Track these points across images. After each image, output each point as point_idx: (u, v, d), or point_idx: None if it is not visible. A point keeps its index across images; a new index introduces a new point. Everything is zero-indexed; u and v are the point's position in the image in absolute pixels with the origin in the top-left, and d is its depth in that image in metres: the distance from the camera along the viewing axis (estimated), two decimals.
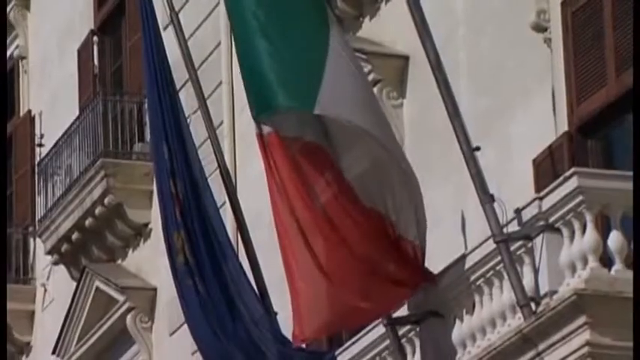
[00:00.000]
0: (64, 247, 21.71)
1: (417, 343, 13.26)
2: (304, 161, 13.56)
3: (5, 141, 24.41)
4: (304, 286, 13.60)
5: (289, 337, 13.96)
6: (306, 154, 13.58)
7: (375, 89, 16.34)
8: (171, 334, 19.32)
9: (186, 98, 15.31)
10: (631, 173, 12.31)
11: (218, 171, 15.56)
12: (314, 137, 13.60)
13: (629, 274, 11.62)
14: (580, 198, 11.76)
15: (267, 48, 13.71)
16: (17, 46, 24.44)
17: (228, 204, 15.47)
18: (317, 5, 13.96)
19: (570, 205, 11.83)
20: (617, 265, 11.69)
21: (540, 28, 14.55)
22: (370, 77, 16.34)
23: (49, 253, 22.15)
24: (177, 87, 15.27)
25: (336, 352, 13.98)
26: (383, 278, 13.28)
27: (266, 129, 13.59)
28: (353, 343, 13.78)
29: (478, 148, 12.84)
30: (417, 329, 13.26)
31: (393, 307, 13.42)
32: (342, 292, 13.34)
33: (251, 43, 13.84)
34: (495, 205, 12.46)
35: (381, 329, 13.43)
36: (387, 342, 13.44)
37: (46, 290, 23.01)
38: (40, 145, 23.36)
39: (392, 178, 13.40)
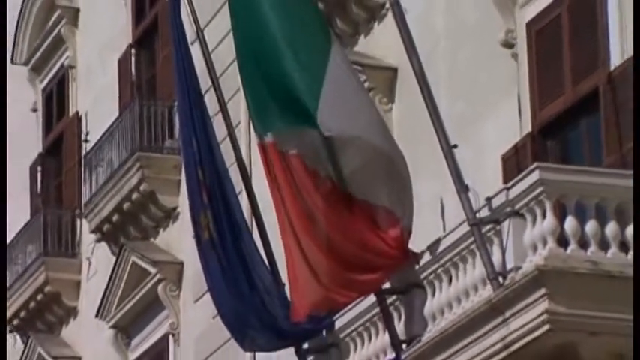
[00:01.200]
0: (106, 227, 21.71)
1: (403, 310, 13.24)
2: (295, 170, 13.41)
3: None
4: (302, 268, 13.48)
5: None
6: (298, 166, 13.40)
7: (370, 94, 16.44)
8: (195, 301, 19.34)
9: (210, 102, 15.28)
10: (584, 168, 12.47)
11: (236, 164, 15.52)
12: (305, 150, 13.40)
13: (582, 253, 11.66)
14: (540, 189, 11.74)
15: (269, 69, 13.60)
16: (67, 57, 24.35)
17: (244, 192, 15.42)
18: (320, 26, 13.83)
19: (532, 195, 11.81)
20: (572, 246, 11.67)
21: (508, 44, 14.57)
22: (365, 85, 16.41)
23: (93, 232, 22.14)
24: (202, 92, 15.25)
25: (334, 318, 13.92)
26: (373, 257, 13.19)
27: (267, 139, 13.55)
28: (348, 310, 13.71)
29: (455, 146, 12.80)
30: (403, 299, 13.21)
31: (382, 282, 13.31)
32: (338, 269, 13.22)
33: (254, 64, 13.76)
34: (469, 194, 12.43)
35: (372, 298, 13.39)
36: (377, 309, 13.39)
37: (90, 263, 22.99)
38: (86, 141, 23.31)
39: (384, 172, 13.28)
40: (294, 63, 13.48)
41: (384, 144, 13.41)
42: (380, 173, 13.33)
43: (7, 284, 24.38)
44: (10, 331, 24.81)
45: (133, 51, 22.27)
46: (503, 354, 11.89)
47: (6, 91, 23.63)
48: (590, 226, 11.76)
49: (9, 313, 24.36)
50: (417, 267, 13.08)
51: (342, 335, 13.98)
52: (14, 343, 24.88)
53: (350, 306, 13.64)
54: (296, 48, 13.52)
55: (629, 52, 13.16)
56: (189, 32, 15.41)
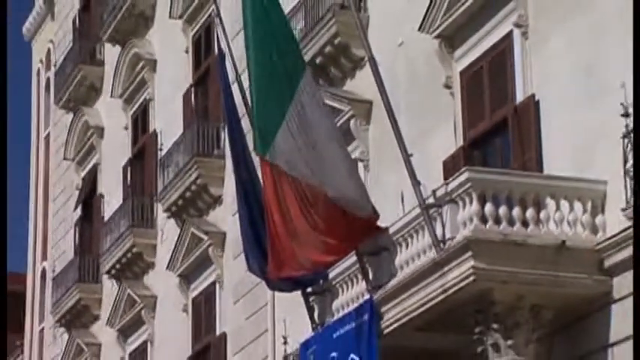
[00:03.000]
0: (173, 208, 21.66)
1: (376, 266, 13.14)
2: (280, 180, 12.98)
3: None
4: (285, 238, 13.07)
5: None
6: (281, 176, 12.94)
7: (352, 120, 16.27)
8: (234, 258, 19.31)
9: (245, 123, 15.19)
10: (498, 170, 12.46)
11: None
12: (288, 167, 12.87)
13: (496, 228, 11.58)
14: (469, 184, 11.71)
15: (257, 101, 13.17)
16: (148, 93, 24.38)
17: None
18: (295, 62, 13.14)
19: (463, 188, 11.77)
20: (490, 223, 11.60)
21: (448, 86, 14.49)
22: (350, 113, 16.26)
23: (165, 211, 22.11)
24: (240, 117, 15.21)
25: (328, 271, 13.78)
26: (350, 231, 12.95)
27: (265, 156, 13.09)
28: (338, 265, 13.59)
29: (411, 155, 12.73)
30: (375, 258, 13.13)
31: (356, 246, 13.12)
32: (327, 240, 12.93)
33: (252, 97, 13.37)
34: (421, 187, 12.32)
35: (353, 258, 13.29)
36: (357, 265, 13.32)
37: (162, 232, 22.96)
38: (161, 150, 23.10)
39: (348, 174, 13.01)
40: (264, 91, 13.06)
41: (341, 153, 13.10)
42: (344, 181, 12.93)
43: (106, 247, 24.59)
44: (109, 278, 24.94)
45: (193, 88, 22.21)
46: (442, 296, 11.86)
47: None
48: (502, 210, 11.70)
49: (108, 266, 24.50)
50: (384, 237, 12.98)
51: (333, 282, 13.89)
52: (111, 286, 24.93)
53: (339, 263, 13.52)
54: (270, 74, 12.99)
55: (529, 91, 13.17)
56: (231, 75, 15.37)
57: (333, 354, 13.09)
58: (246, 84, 14.22)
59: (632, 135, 11.11)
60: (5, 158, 20.55)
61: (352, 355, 12.75)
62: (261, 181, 13.50)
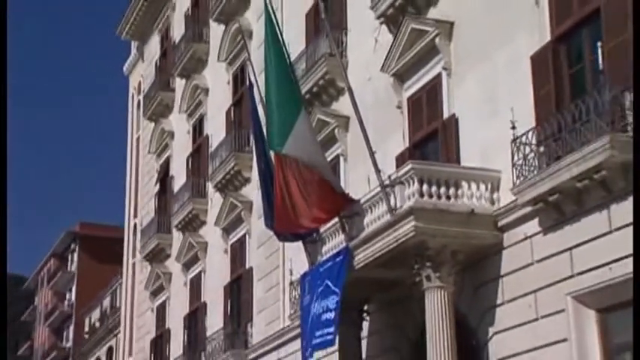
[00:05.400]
0: (219, 185, 21.42)
1: (351, 225, 13.03)
2: (285, 170, 12.67)
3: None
4: (289, 207, 12.73)
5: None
6: (290, 167, 12.63)
7: (336, 129, 16.14)
8: (258, 219, 18.94)
9: (267, 138, 15.03)
10: (431, 162, 12.30)
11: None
12: (297, 155, 12.51)
13: (430, 200, 11.45)
14: (412, 172, 11.65)
15: (272, 111, 12.61)
16: (203, 110, 24.13)
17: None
18: (297, 94, 12.91)
19: (408, 174, 11.70)
20: (426, 197, 11.54)
21: (399, 107, 14.35)
22: (335, 124, 16.14)
23: (213, 187, 21.85)
24: (262, 126, 15.05)
25: (320, 229, 13.64)
26: (335, 202, 12.87)
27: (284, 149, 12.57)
28: (329, 225, 13.46)
29: (375, 152, 12.67)
30: (350, 219, 13.03)
31: (339, 213, 13.01)
32: (314, 207, 12.71)
33: (268, 106, 12.81)
34: (381, 173, 12.23)
35: (336, 219, 13.22)
36: (338, 224, 13.23)
37: (212, 201, 22.79)
38: (210, 147, 23.13)
39: (327, 169, 12.94)
40: (273, 109, 12.60)
41: (323, 160, 13.05)
42: (327, 169, 12.93)
43: (175, 210, 24.19)
44: (177, 230, 24.45)
45: (232, 107, 22.01)
46: (394, 244, 11.81)
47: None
48: (433, 189, 11.62)
49: (176, 222, 24.14)
50: (357, 206, 12.88)
51: (322, 235, 13.79)
52: (178, 236, 24.63)
53: (330, 223, 13.38)
54: (280, 104, 12.56)
55: (452, 111, 13.02)
56: (257, 98, 15.19)
57: (318, 281, 12.98)
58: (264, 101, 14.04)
59: (517, 141, 10.96)
60: (5, 158, 15.19)
61: (327, 281, 12.62)
62: (274, 169, 13.28)
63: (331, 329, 12.02)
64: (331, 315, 12.10)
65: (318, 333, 12.44)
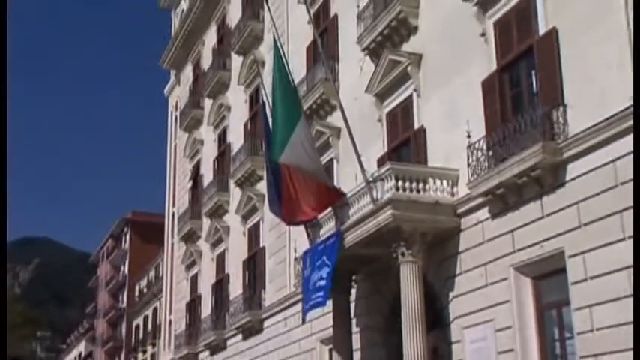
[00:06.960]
0: (238, 182, 21.20)
1: (342, 213, 12.95)
2: (289, 174, 12.51)
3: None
4: (294, 203, 12.65)
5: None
6: (291, 172, 12.49)
7: (330, 138, 16.08)
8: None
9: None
10: (405, 164, 12.15)
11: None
12: (294, 163, 12.24)
13: (404, 194, 11.38)
14: (390, 171, 11.65)
15: (276, 125, 12.17)
16: (226, 122, 23.97)
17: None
18: (296, 105, 12.51)
19: (387, 173, 11.69)
20: (401, 191, 11.50)
21: (380, 120, 14.30)
22: (329, 134, 16.08)
23: (234, 183, 21.71)
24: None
25: (318, 216, 13.56)
26: (330, 197, 12.83)
27: (280, 159, 12.31)
28: (325, 214, 13.37)
29: (361, 155, 12.62)
30: (342, 209, 12.99)
31: (332, 204, 12.95)
32: (313, 202, 12.67)
33: (273, 121, 12.36)
34: (366, 172, 12.21)
35: (330, 209, 13.18)
36: (332, 213, 13.18)
37: (232, 195, 22.47)
38: (231, 152, 22.92)
39: (321, 171, 12.85)
40: (278, 123, 12.17)
41: (318, 163, 12.91)
42: (322, 173, 12.84)
43: (204, 201, 23.97)
44: (206, 217, 24.16)
45: (249, 121, 21.92)
46: (375, 229, 11.77)
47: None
48: (407, 184, 11.60)
49: (205, 210, 23.83)
50: (346, 198, 12.83)
51: (320, 221, 13.70)
52: (207, 222, 24.38)
53: (325, 212, 13.37)
54: (281, 114, 12.16)
55: (421, 124, 12.97)
56: (268, 114, 15.05)
57: (316, 257, 12.97)
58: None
59: (472, 146, 11.01)
60: (5, 158, 12.41)
61: (323, 257, 12.59)
62: (278, 170, 12.90)
63: (322, 293, 12.05)
64: (323, 282, 12.11)
65: (313, 296, 12.52)
